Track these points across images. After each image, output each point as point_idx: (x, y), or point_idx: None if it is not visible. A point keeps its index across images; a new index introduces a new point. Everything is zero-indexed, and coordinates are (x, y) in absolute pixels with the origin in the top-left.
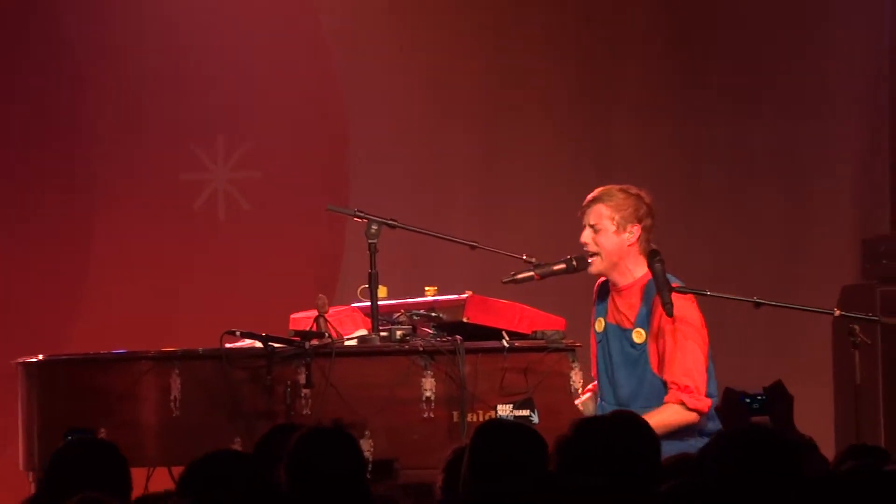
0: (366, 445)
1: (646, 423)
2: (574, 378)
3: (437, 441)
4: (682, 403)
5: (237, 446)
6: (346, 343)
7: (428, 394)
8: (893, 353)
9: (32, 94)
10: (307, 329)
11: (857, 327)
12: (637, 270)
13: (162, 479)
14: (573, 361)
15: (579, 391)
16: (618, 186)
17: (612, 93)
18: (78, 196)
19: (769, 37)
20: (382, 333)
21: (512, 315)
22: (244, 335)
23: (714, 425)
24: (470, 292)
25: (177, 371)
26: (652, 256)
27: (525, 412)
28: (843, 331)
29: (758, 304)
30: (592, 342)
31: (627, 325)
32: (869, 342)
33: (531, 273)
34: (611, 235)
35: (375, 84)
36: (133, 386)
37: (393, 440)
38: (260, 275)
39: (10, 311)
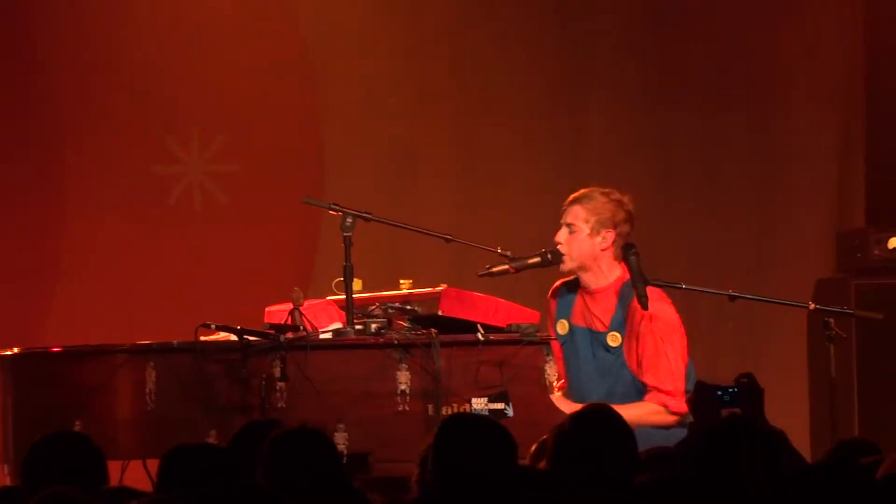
0: (340, 439)
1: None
2: (549, 371)
3: (412, 434)
4: (665, 406)
5: (212, 439)
6: (321, 336)
7: (403, 387)
8: (868, 347)
9: None
10: (282, 322)
11: (831, 321)
12: (611, 274)
13: (137, 473)
14: (548, 355)
15: (554, 384)
16: (601, 189)
17: (584, 88)
18: (49, 187)
19: (742, 31)
20: (357, 327)
21: (487, 308)
22: (219, 328)
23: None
24: (445, 285)
25: (152, 364)
26: (627, 249)
27: (500, 405)
28: (817, 324)
29: (733, 298)
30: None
31: (601, 329)
32: (844, 336)
33: (506, 266)
34: (584, 238)
35: (351, 78)
36: (108, 379)
37: (368, 433)
38: (234, 268)
39: None
